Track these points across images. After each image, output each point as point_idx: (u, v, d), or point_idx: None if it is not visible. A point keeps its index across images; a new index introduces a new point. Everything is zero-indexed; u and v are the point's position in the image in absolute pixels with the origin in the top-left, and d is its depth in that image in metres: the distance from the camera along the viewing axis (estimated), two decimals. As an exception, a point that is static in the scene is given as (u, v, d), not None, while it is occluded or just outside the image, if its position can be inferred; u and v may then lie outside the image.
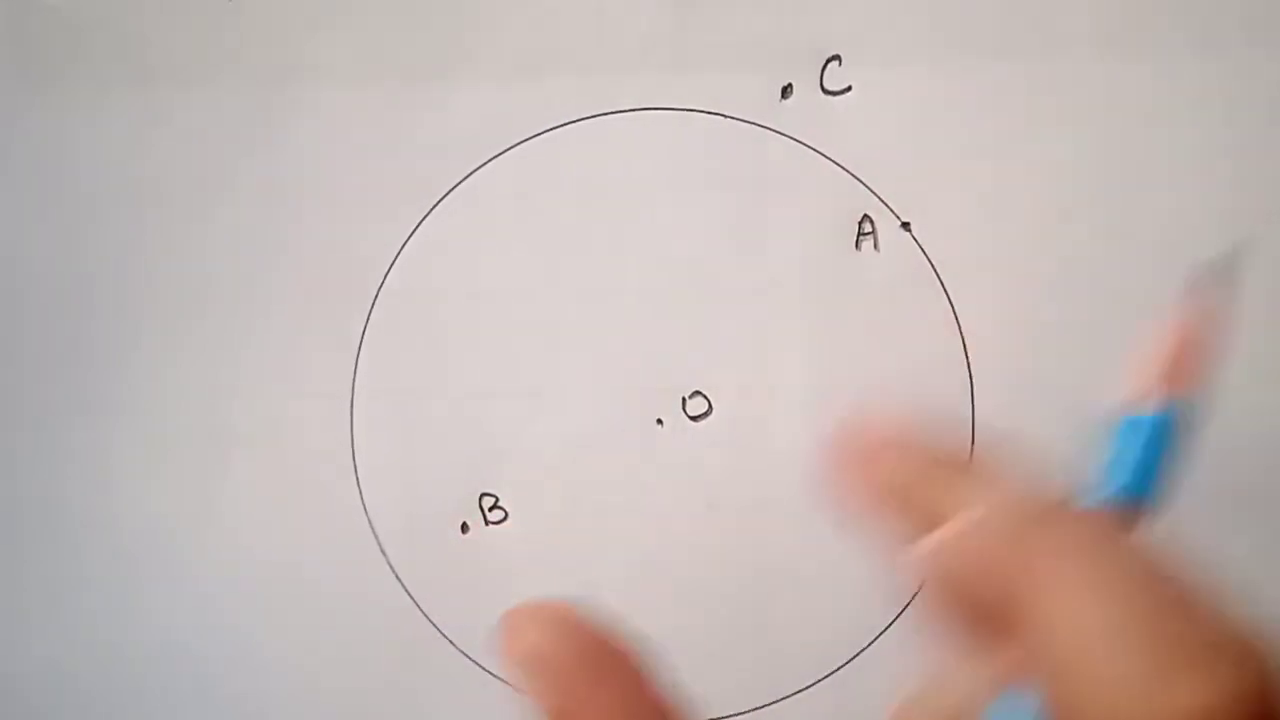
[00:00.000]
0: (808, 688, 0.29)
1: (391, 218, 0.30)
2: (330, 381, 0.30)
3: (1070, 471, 0.21)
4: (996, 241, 0.29)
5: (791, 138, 0.29)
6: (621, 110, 0.29)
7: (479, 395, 0.30)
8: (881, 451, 0.24)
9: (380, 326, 0.30)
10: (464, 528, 0.30)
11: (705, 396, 0.29)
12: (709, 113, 0.29)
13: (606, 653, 0.19)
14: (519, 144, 0.30)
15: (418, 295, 0.30)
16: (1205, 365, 0.20)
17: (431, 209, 0.30)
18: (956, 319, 0.29)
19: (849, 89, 0.29)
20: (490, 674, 0.30)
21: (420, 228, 0.30)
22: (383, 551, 0.30)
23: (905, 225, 0.29)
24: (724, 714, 0.29)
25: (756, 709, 0.29)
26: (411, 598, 0.30)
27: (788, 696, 0.29)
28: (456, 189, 0.30)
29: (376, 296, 0.30)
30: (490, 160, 0.30)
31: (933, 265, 0.29)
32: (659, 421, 0.30)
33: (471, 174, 0.30)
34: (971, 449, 0.26)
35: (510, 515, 0.30)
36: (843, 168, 0.29)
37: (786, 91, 0.29)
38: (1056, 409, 0.28)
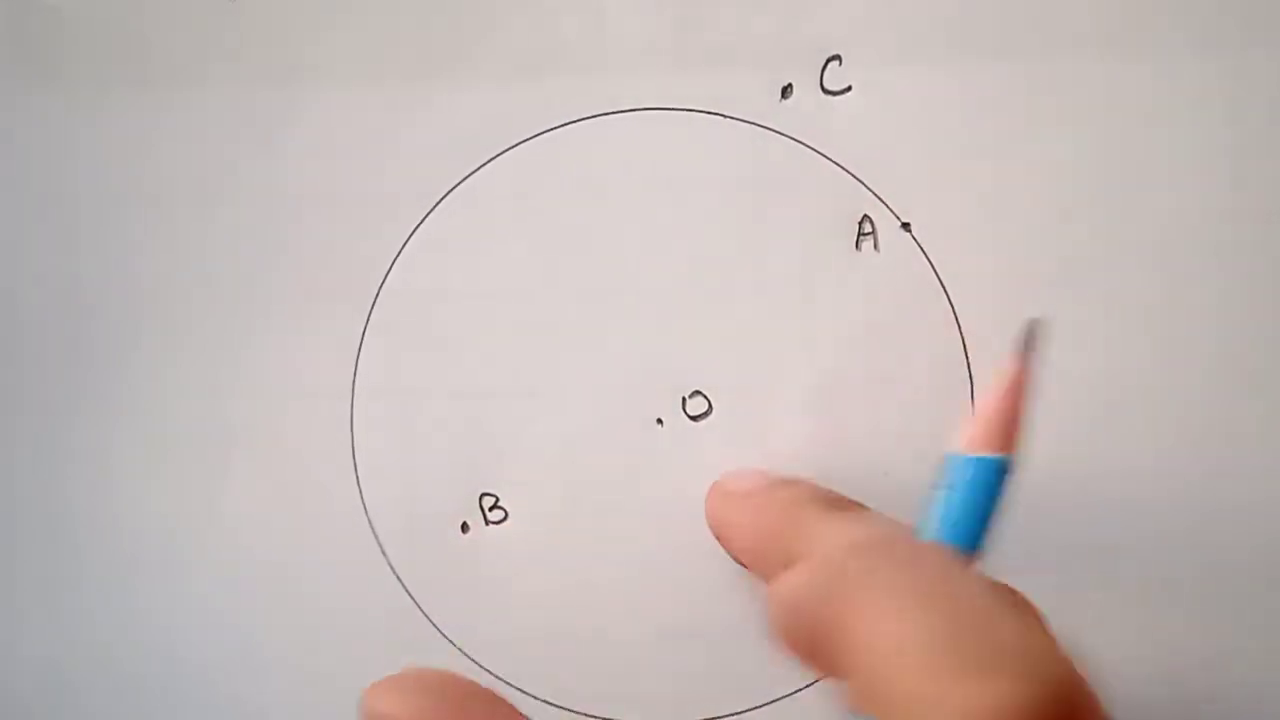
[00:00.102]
0: (807, 687, 0.29)
1: (391, 218, 0.30)
2: (330, 381, 0.30)
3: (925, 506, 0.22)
4: (996, 241, 0.29)
5: (791, 138, 0.29)
6: (621, 110, 0.29)
7: (479, 395, 0.30)
8: (741, 504, 0.26)
9: (380, 326, 0.30)
10: (464, 528, 0.30)
11: (705, 396, 0.29)
12: (709, 113, 0.29)
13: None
14: (519, 144, 0.30)
15: (418, 295, 0.30)
16: (1024, 421, 0.22)
17: (432, 209, 0.30)
18: (956, 319, 0.29)
19: (849, 89, 0.29)
20: (491, 674, 0.30)
21: (420, 228, 0.30)
22: (383, 551, 0.30)
23: (905, 225, 0.29)
24: (723, 713, 0.29)
25: (755, 709, 0.29)
26: (411, 598, 0.30)
27: (786, 696, 0.29)
28: (456, 189, 0.30)
29: (376, 296, 0.30)
30: (490, 160, 0.30)
31: (933, 265, 0.29)
32: (659, 421, 0.30)
33: (472, 174, 0.30)
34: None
35: (510, 515, 0.30)
36: (842, 168, 0.29)
37: (786, 91, 0.29)
38: (1056, 409, 0.28)
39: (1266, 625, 0.28)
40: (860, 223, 0.29)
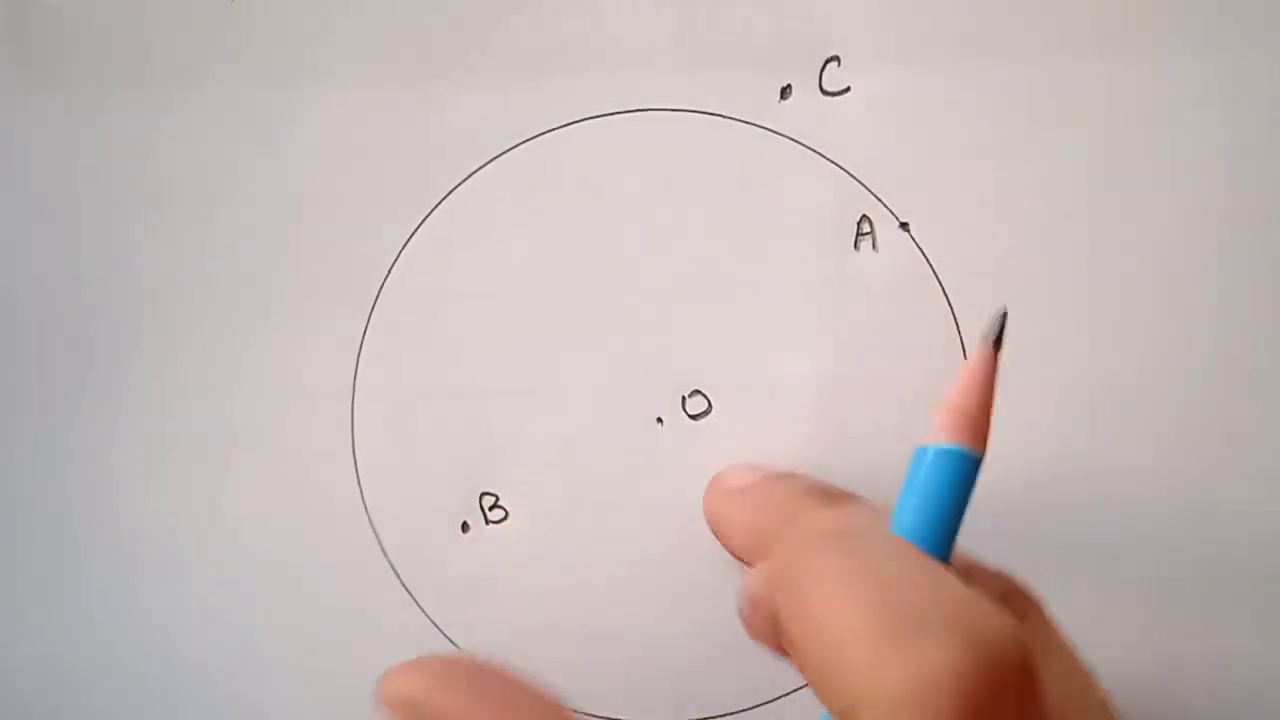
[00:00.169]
0: (806, 686, 0.29)
1: (391, 218, 0.30)
2: (330, 381, 0.30)
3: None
4: (996, 241, 0.29)
5: (790, 138, 0.29)
6: (621, 110, 0.29)
7: (479, 395, 0.30)
8: (738, 500, 0.27)
9: (380, 326, 0.30)
10: (464, 527, 0.30)
11: (705, 396, 0.29)
12: (708, 113, 0.29)
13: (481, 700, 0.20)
14: (519, 144, 0.30)
15: (418, 295, 0.30)
16: (989, 410, 0.22)
17: (432, 209, 0.30)
18: (956, 319, 0.29)
19: (848, 89, 0.29)
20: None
21: (420, 228, 0.30)
22: (383, 551, 0.30)
23: (904, 225, 0.29)
24: (722, 713, 0.29)
25: (754, 708, 0.29)
26: (412, 597, 0.30)
27: (785, 695, 0.29)
28: (456, 189, 0.30)
29: (376, 296, 0.30)
30: (490, 160, 0.30)
31: (932, 265, 0.29)
32: (659, 421, 0.30)
33: (472, 174, 0.30)
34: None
35: (510, 515, 0.30)
36: (841, 168, 0.29)
37: (785, 92, 0.29)
38: (1056, 409, 0.28)
39: (1266, 625, 0.28)
40: (859, 223, 0.29)
